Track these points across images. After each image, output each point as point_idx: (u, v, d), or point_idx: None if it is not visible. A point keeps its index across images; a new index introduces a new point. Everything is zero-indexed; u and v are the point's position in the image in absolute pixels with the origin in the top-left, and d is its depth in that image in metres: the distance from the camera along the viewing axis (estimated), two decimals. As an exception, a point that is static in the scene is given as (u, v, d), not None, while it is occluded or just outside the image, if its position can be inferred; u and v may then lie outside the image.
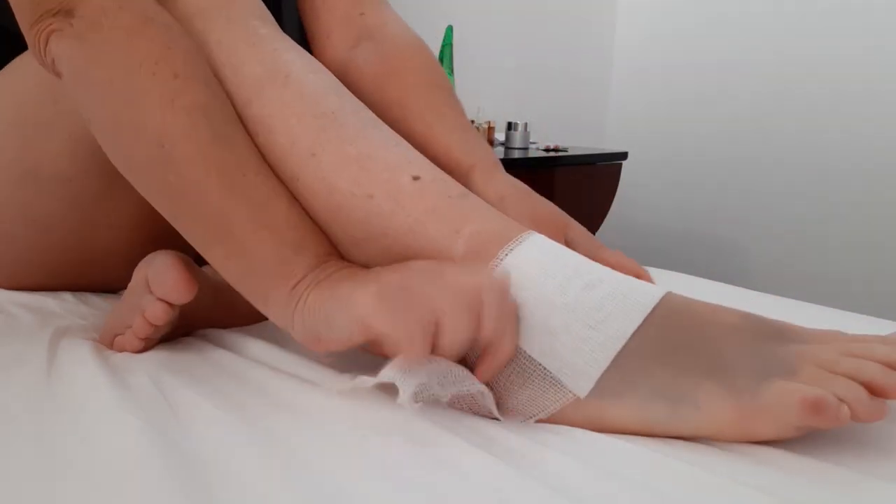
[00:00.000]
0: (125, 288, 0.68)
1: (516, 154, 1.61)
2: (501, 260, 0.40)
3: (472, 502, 0.30)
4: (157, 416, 0.38)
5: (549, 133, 1.95)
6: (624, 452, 0.35)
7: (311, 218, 0.45)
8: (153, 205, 0.46)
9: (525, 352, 0.39)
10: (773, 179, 1.99)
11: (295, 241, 0.43)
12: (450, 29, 1.60)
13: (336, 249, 0.45)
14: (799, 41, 1.90)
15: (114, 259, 0.63)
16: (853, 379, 0.34)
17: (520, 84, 2.03)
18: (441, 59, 1.61)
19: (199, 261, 0.58)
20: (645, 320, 0.37)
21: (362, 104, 0.49)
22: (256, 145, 0.46)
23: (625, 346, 0.37)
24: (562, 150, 1.69)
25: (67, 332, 0.54)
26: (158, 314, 0.48)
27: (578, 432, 0.37)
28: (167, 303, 0.48)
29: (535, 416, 0.39)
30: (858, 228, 1.83)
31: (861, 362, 0.35)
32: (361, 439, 0.36)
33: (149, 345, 0.51)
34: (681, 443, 0.37)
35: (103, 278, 0.66)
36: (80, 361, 0.46)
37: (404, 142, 0.47)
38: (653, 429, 0.37)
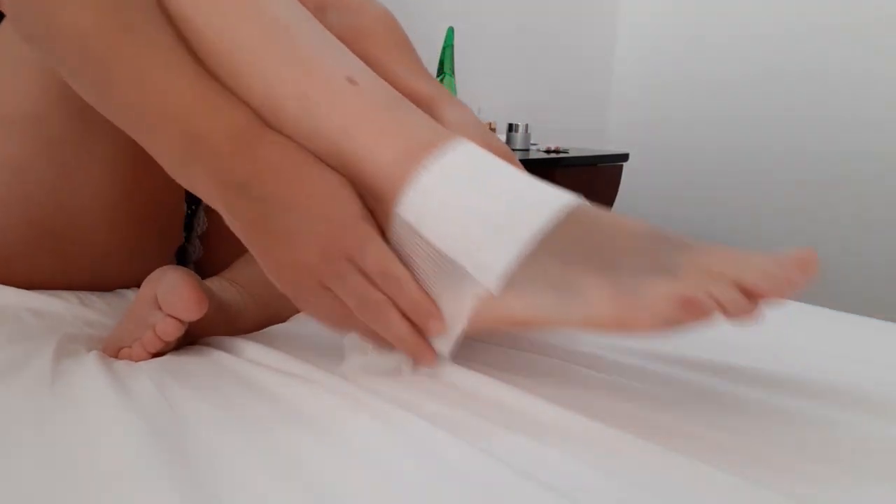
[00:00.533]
0: (120, 286, 0.68)
1: (517, 155, 1.60)
2: (426, 167, 0.42)
3: (471, 502, 0.30)
4: (157, 416, 0.38)
5: (549, 134, 1.95)
6: (624, 452, 0.35)
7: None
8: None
9: (443, 252, 0.41)
10: (773, 180, 1.99)
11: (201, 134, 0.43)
12: (451, 30, 1.60)
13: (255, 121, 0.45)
14: (800, 41, 1.90)
15: (91, 217, 0.62)
16: (731, 282, 0.35)
17: (521, 85, 2.04)
18: (442, 60, 1.61)
19: (202, 273, 0.58)
20: (552, 224, 0.40)
21: (304, 8, 0.49)
22: (192, 43, 0.45)
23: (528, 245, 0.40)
24: (563, 152, 1.69)
25: (72, 337, 0.54)
26: (169, 330, 0.49)
27: (578, 432, 0.37)
28: (178, 319, 0.49)
29: (461, 322, 0.42)
30: (858, 228, 1.83)
31: (741, 269, 0.36)
32: (361, 439, 0.36)
33: (156, 356, 0.51)
34: (682, 441, 0.36)
35: (83, 247, 0.64)
36: (83, 364, 0.47)
37: (346, 49, 0.48)
38: (546, 317, 0.39)
